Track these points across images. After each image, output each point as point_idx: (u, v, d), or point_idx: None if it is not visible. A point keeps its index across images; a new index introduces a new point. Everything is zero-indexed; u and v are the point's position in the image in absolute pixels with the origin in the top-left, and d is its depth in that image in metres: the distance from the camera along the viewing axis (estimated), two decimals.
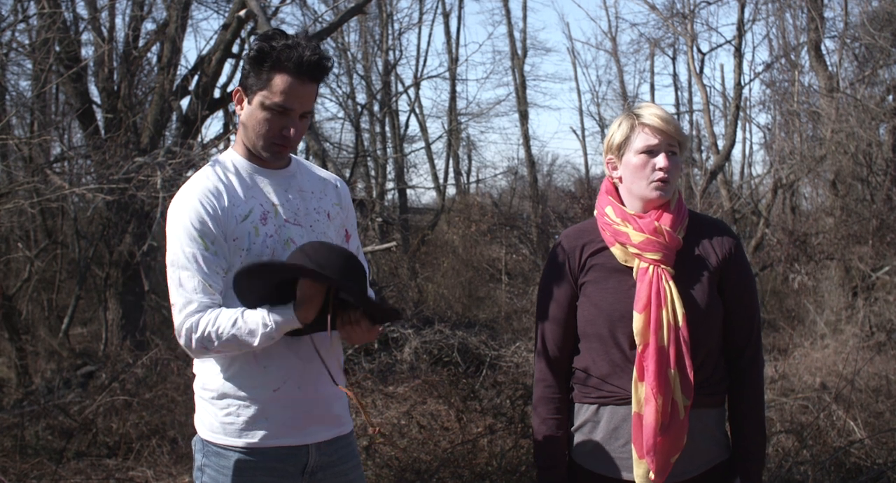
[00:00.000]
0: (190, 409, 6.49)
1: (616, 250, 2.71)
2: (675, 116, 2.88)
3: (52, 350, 9.39)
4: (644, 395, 2.60)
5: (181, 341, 2.53)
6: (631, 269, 2.69)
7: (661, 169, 2.67)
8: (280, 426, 2.59)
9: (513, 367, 8.42)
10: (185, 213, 2.53)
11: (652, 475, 2.61)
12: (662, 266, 2.64)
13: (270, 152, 2.60)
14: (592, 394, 2.73)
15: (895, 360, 8.56)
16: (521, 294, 14.14)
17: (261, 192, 2.63)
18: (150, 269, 9.63)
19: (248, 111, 2.58)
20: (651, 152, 2.69)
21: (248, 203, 2.59)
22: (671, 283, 2.63)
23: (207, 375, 2.63)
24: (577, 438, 2.78)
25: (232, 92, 2.65)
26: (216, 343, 2.47)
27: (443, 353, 8.54)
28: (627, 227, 2.69)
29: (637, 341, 2.62)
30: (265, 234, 2.58)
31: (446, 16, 22.21)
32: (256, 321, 2.44)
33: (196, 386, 2.68)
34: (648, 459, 2.60)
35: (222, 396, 2.59)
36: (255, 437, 2.58)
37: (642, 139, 2.69)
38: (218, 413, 2.60)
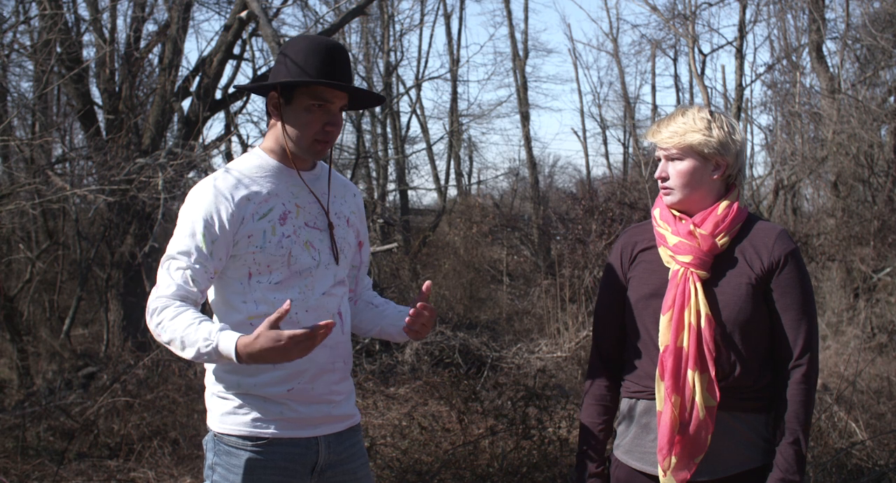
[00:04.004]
0: (191, 409, 6.50)
1: (661, 251, 2.76)
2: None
3: (53, 351, 9.38)
4: (663, 393, 2.65)
5: (147, 317, 2.54)
6: (669, 270, 2.74)
7: (657, 178, 2.76)
8: (293, 422, 2.64)
9: (514, 368, 8.42)
10: (198, 207, 2.58)
11: (664, 472, 2.64)
12: (692, 269, 2.66)
13: (313, 151, 2.66)
14: (631, 388, 2.80)
15: None
16: (522, 295, 14.14)
17: (286, 191, 2.67)
18: (152, 271, 9.61)
19: (290, 112, 2.63)
20: (659, 160, 2.76)
21: (270, 202, 2.63)
22: (698, 285, 2.65)
23: (220, 372, 2.66)
24: (618, 431, 2.85)
25: (268, 95, 2.68)
26: (163, 338, 2.47)
27: (444, 354, 8.54)
28: (667, 230, 2.74)
29: (659, 341, 2.67)
30: (282, 233, 2.62)
31: (447, 17, 22.26)
32: (201, 335, 2.40)
33: (207, 381, 2.71)
34: (660, 456, 2.63)
35: (236, 393, 2.63)
36: (268, 430, 2.62)
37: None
38: (230, 407, 2.63)
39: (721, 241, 2.69)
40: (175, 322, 2.44)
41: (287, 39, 2.79)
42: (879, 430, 6.21)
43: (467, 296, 13.96)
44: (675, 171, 2.72)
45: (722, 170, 2.71)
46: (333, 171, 2.87)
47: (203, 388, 2.78)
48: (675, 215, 2.76)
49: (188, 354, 2.42)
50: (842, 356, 9.01)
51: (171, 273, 2.54)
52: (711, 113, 2.74)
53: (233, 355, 2.34)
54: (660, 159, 2.76)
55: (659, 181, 2.76)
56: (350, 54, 2.72)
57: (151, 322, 2.51)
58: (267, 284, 2.60)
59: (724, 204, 2.72)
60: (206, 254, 2.55)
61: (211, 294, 2.69)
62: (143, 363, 7.54)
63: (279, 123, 2.66)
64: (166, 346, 2.49)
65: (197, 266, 2.54)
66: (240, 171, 2.65)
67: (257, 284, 2.60)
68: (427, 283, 2.70)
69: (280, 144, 2.69)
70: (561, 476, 5.36)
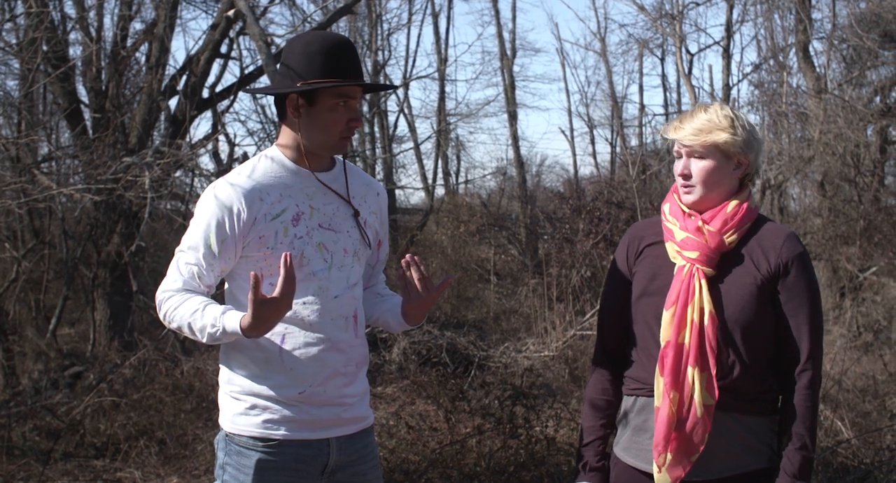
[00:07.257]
0: (178, 409, 6.48)
1: (669, 246, 2.74)
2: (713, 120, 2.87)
3: (39, 351, 9.33)
4: (661, 389, 2.63)
5: (157, 307, 2.68)
6: (675, 266, 2.72)
7: (679, 175, 2.73)
8: (305, 424, 2.64)
9: (501, 367, 8.42)
10: (212, 205, 2.60)
11: (658, 468, 2.63)
12: (698, 265, 2.65)
13: (338, 147, 2.67)
14: (631, 385, 2.78)
15: (882, 361, 8.59)
16: (509, 294, 14.15)
17: (300, 193, 2.66)
18: (139, 270, 9.58)
19: (313, 113, 2.61)
20: (679, 157, 2.74)
21: (283, 202, 2.62)
22: (703, 281, 2.63)
23: (233, 373, 2.67)
24: (619, 429, 2.84)
25: (287, 98, 2.64)
26: (173, 325, 2.61)
27: (431, 353, 8.52)
28: (675, 225, 2.73)
29: (661, 336, 2.66)
30: (294, 234, 2.61)
31: (435, 16, 22.23)
32: (207, 321, 2.53)
33: (221, 381, 2.72)
34: (655, 453, 2.63)
35: (248, 394, 2.64)
36: (279, 432, 2.63)
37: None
38: (242, 408, 2.64)
39: (729, 238, 2.67)
40: (180, 310, 2.57)
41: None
42: (865, 428, 6.23)
43: (455, 295, 13.96)
44: (697, 169, 2.69)
45: (742, 169, 2.70)
46: (357, 171, 2.86)
47: (215, 386, 2.80)
48: (684, 211, 2.74)
49: (201, 339, 2.56)
50: (827, 355, 9.04)
51: (180, 266, 2.62)
52: (732, 111, 2.73)
53: (240, 334, 2.48)
54: (679, 156, 2.73)
55: (680, 178, 2.73)
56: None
57: (160, 312, 2.64)
58: None
59: (734, 202, 2.70)
60: (215, 252, 2.58)
61: (226, 285, 2.73)
62: (129, 363, 7.51)
63: (298, 123, 2.64)
64: (176, 330, 2.63)
65: (204, 263, 2.59)
66: (254, 170, 2.65)
67: (269, 286, 2.56)
68: (449, 278, 2.77)
69: (297, 144, 2.67)
70: (548, 475, 5.37)
